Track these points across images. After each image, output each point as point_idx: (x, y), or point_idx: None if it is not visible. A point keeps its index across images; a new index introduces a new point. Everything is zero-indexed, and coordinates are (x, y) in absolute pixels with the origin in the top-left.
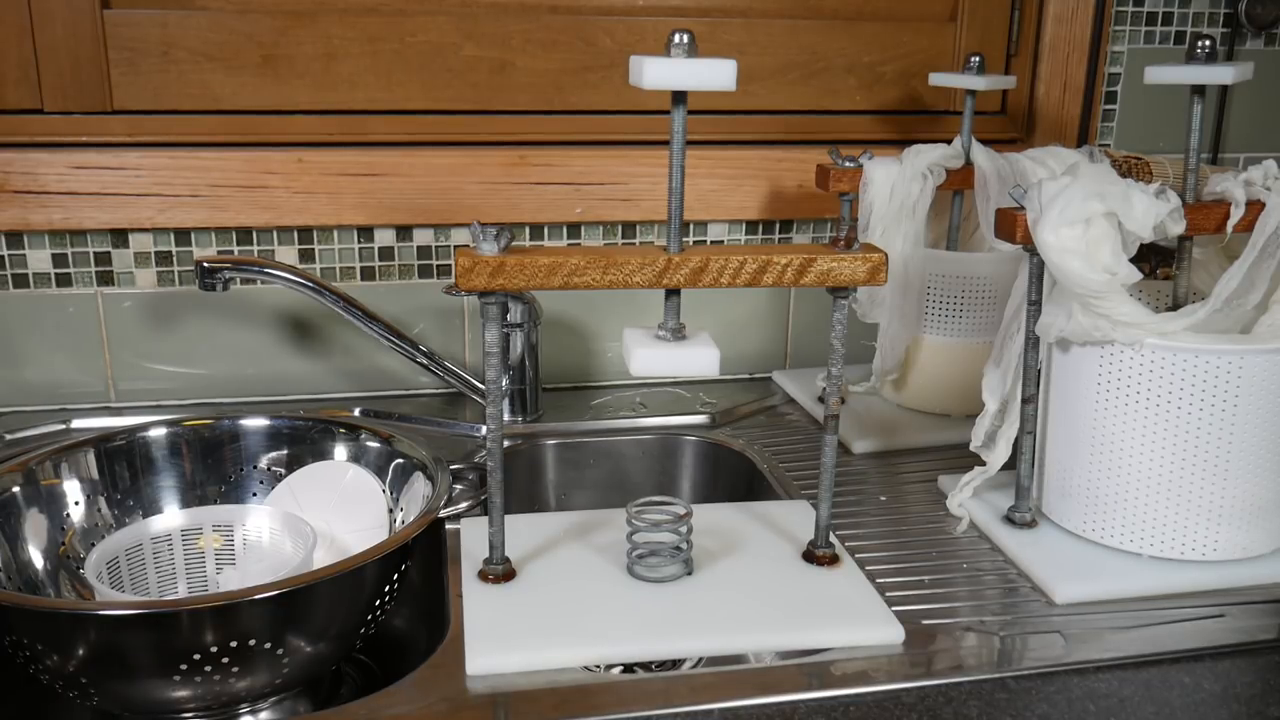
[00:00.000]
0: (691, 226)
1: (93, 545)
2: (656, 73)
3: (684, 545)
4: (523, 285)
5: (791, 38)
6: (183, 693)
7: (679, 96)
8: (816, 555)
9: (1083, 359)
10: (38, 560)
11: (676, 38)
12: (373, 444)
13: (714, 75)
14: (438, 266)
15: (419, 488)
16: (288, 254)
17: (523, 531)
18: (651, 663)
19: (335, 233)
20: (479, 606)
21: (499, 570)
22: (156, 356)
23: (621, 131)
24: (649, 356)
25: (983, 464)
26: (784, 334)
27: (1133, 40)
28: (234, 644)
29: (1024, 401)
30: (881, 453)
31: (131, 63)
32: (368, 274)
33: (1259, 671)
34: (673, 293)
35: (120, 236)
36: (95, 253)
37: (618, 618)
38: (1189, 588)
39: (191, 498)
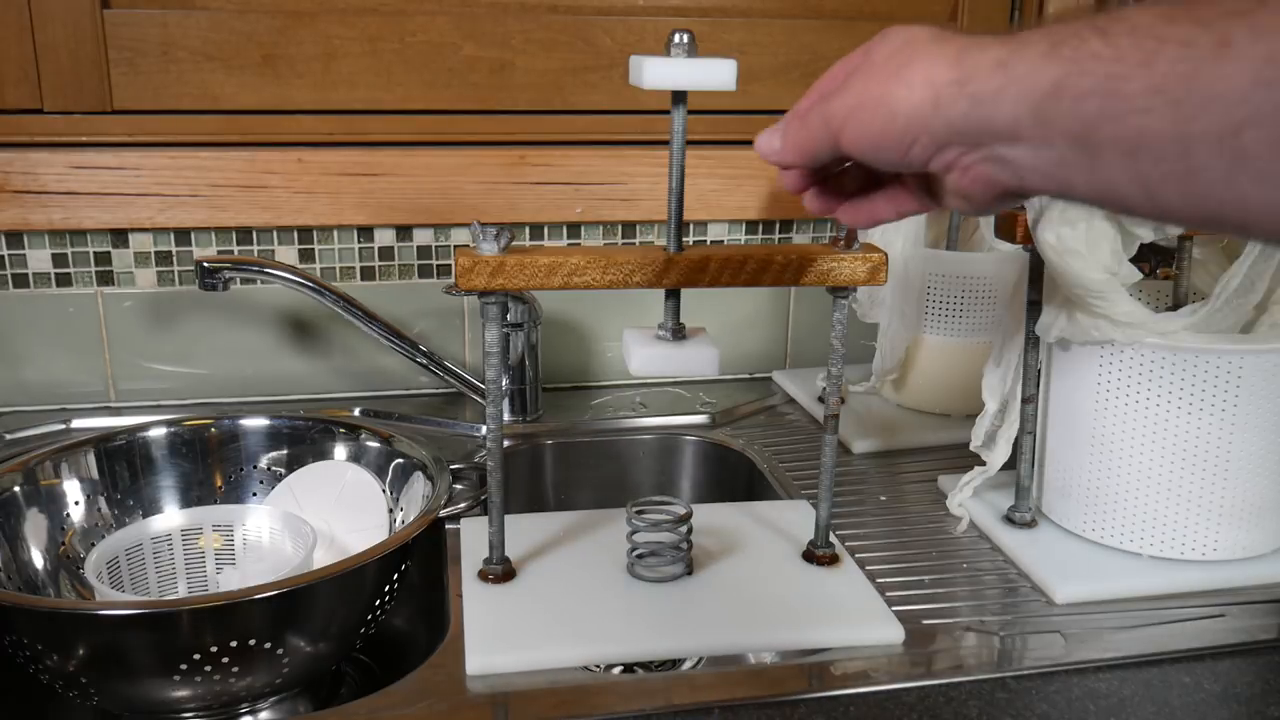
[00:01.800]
0: (691, 226)
1: (93, 545)
2: (656, 72)
3: (684, 545)
4: (523, 285)
5: (791, 38)
6: (183, 693)
7: (679, 96)
8: (816, 555)
9: (1083, 359)
10: (38, 560)
11: (677, 37)
12: (373, 444)
13: (714, 75)
14: (438, 266)
15: (419, 488)
16: (288, 254)
17: (522, 531)
18: (651, 663)
19: (335, 233)
20: (479, 606)
21: (499, 570)
22: (156, 356)
23: (621, 131)
24: (649, 356)
25: (983, 464)
26: (784, 334)
27: None
28: (234, 644)
29: (1024, 401)
30: (881, 453)
31: (131, 63)
32: (368, 274)
33: (1259, 671)
34: (672, 293)
35: (120, 236)
36: (95, 253)
37: (618, 618)
38: (1189, 588)
39: (191, 498)
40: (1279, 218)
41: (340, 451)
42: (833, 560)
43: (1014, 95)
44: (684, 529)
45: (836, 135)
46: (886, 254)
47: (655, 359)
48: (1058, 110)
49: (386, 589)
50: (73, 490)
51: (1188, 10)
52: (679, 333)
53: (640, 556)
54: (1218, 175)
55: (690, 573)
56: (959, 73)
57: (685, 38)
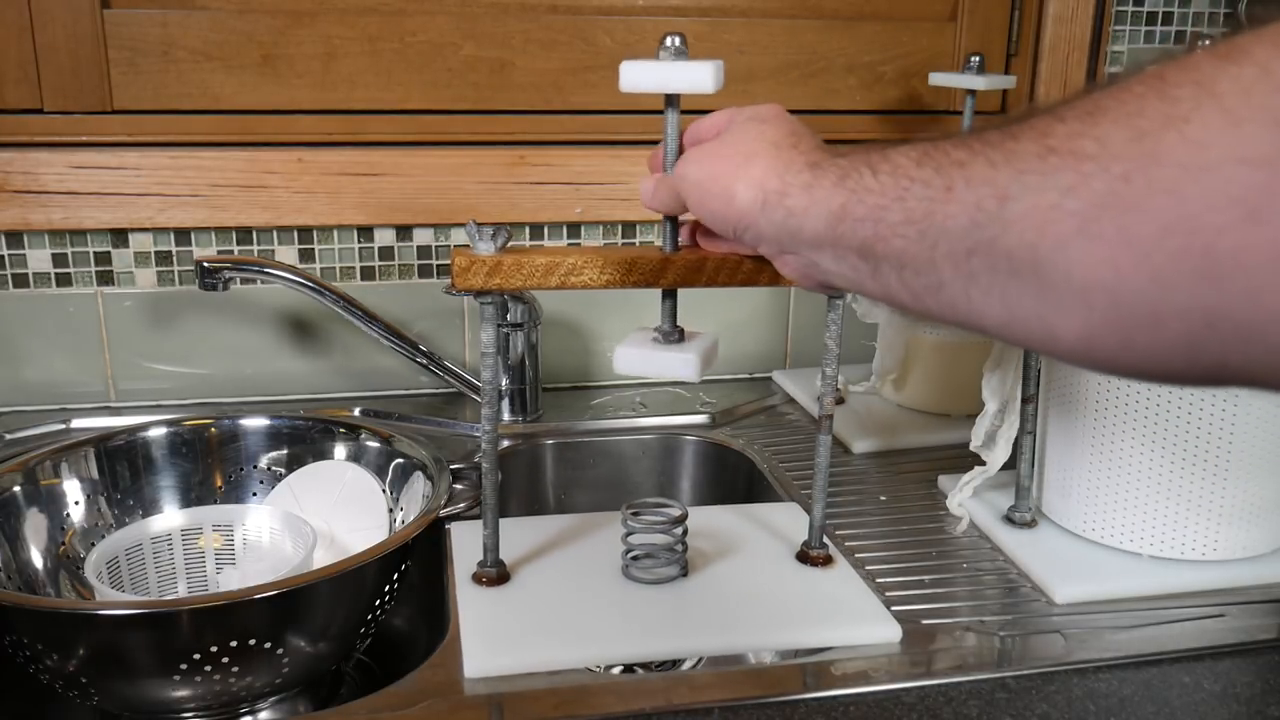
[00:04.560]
0: None
1: (93, 545)
2: (633, 77)
3: (679, 547)
4: (520, 285)
5: (791, 38)
6: (183, 693)
7: (671, 98)
8: (810, 555)
9: None
10: (38, 560)
11: (668, 40)
12: (373, 444)
13: (693, 78)
14: (438, 266)
15: (419, 487)
16: (288, 254)
17: (516, 535)
18: (650, 664)
19: (335, 232)
20: (474, 611)
21: (493, 574)
22: (156, 356)
23: (621, 131)
24: (628, 356)
25: (983, 464)
26: (784, 334)
27: (1133, 40)
28: (234, 644)
29: (1024, 401)
30: (881, 453)
31: (131, 62)
32: (368, 274)
33: (1259, 671)
34: (669, 293)
35: (120, 236)
36: (95, 252)
37: (613, 620)
38: (1189, 588)
39: (191, 498)
40: (1004, 326)
41: (340, 451)
42: (826, 561)
43: (815, 214)
44: (679, 531)
45: (684, 200)
46: None
47: (634, 359)
48: (843, 230)
49: (386, 589)
50: (73, 490)
51: (930, 155)
52: (672, 335)
53: (635, 559)
54: (959, 289)
55: (685, 574)
56: (782, 185)
57: (676, 41)
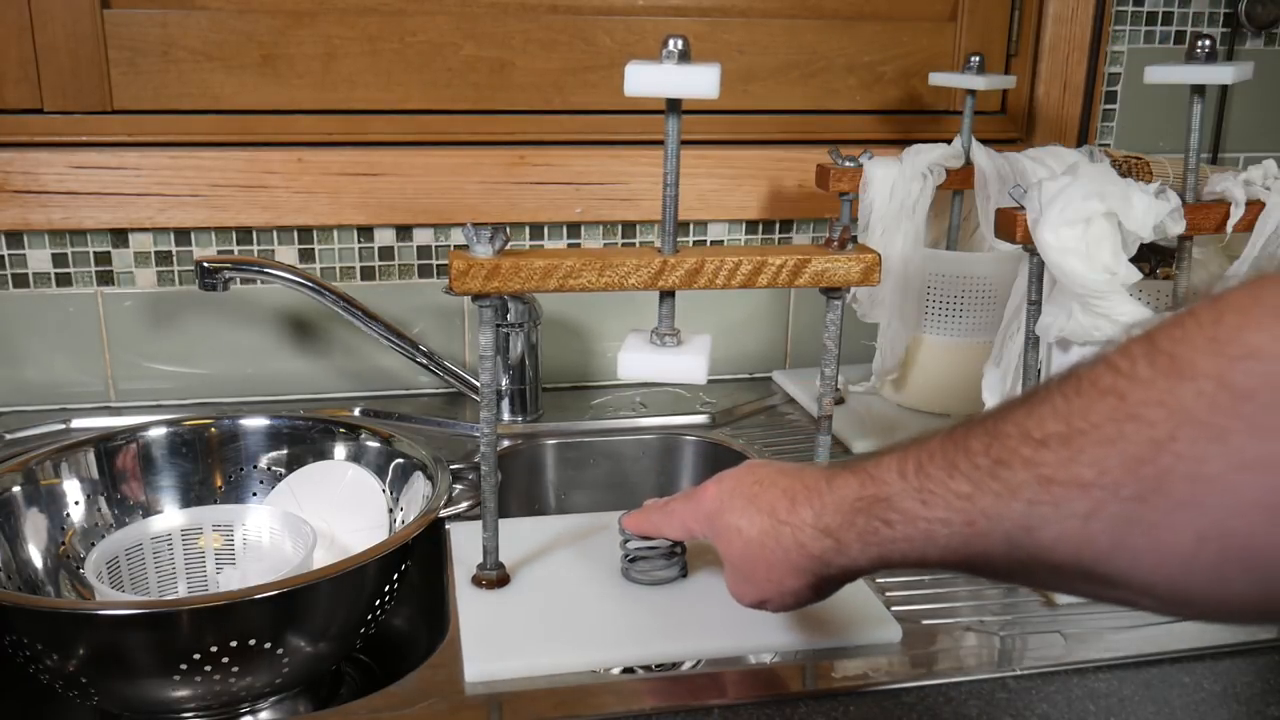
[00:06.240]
0: (691, 226)
1: (93, 545)
2: (638, 80)
3: (678, 549)
4: (518, 288)
5: (791, 37)
6: (183, 693)
7: (673, 102)
8: None
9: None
10: (38, 560)
11: (670, 44)
12: (373, 444)
13: (696, 83)
14: (438, 266)
15: (419, 487)
16: (288, 254)
17: (516, 535)
18: (650, 665)
19: (335, 232)
20: (474, 613)
21: (492, 576)
22: (156, 356)
23: (621, 131)
24: (633, 361)
25: None
26: (784, 334)
27: (1133, 40)
28: (234, 644)
29: None
30: None
31: (131, 62)
32: (368, 274)
33: (1259, 671)
34: (667, 295)
35: (120, 236)
36: (95, 252)
37: (612, 622)
38: None
39: (191, 498)
40: (1091, 600)
41: (340, 451)
42: None
43: (857, 568)
44: None
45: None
46: (879, 254)
47: (640, 364)
48: (890, 564)
49: (386, 589)
50: (73, 490)
51: (933, 493)
52: (672, 338)
53: (634, 560)
54: (1032, 584)
55: (685, 575)
56: (817, 577)
57: (679, 43)
